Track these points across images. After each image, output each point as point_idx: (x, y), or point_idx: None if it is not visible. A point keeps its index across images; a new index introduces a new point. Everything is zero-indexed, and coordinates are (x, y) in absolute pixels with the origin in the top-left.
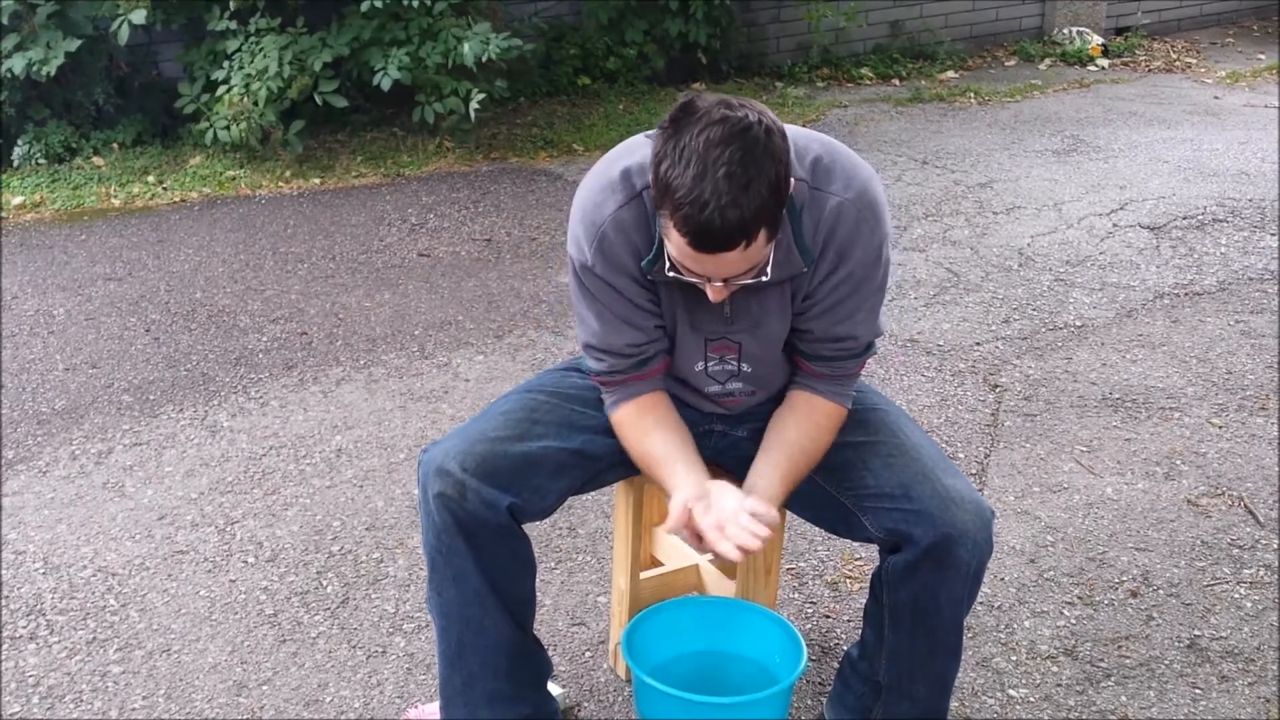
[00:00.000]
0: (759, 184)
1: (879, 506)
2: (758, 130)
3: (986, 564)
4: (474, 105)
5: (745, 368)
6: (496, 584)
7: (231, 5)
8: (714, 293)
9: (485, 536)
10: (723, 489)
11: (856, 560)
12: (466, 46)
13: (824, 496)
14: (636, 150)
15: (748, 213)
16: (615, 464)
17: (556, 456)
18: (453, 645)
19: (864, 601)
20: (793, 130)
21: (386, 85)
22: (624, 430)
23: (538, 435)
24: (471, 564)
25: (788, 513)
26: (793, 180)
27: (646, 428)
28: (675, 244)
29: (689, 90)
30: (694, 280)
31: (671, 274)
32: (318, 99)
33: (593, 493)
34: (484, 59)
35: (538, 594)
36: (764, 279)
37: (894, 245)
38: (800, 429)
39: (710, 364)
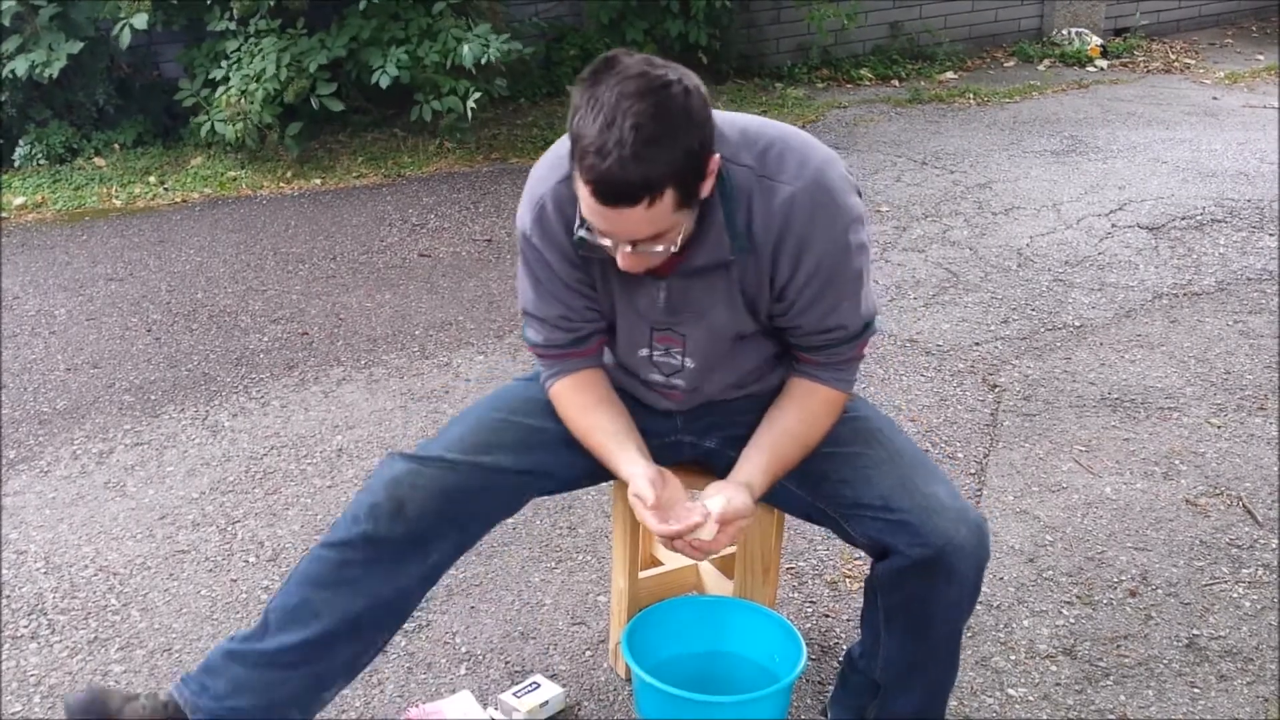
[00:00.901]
0: (669, 142)
1: (860, 515)
2: (676, 89)
3: (984, 570)
4: (470, 104)
5: (689, 363)
6: (361, 617)
7: (235, 10)
8: (623, 260)
9: (387, 563)
10: (676, 486)
11: (856, 560)
12: (466, 48)
13: (809, 505)
14: None
15: (653, 166)
16: (576, 478)
17: (506, 479)
18: (293, 599)
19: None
20: (747, 118)
21: (385, 84)
22: (562, 404)
23: (492, 459)
24: (354, 588)
25: (786, 514)
26: (715, 157)
27: (588, 403)
28: (583, 198)
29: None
30: (603, 243)
31: (582, 232)
32: (314, 102)
33: (593, 493)
34: (483, 61)
35: (538, 593)
36: (673, 249)
37: (893, 245)
38: (793, 415)
39: (655, 353)
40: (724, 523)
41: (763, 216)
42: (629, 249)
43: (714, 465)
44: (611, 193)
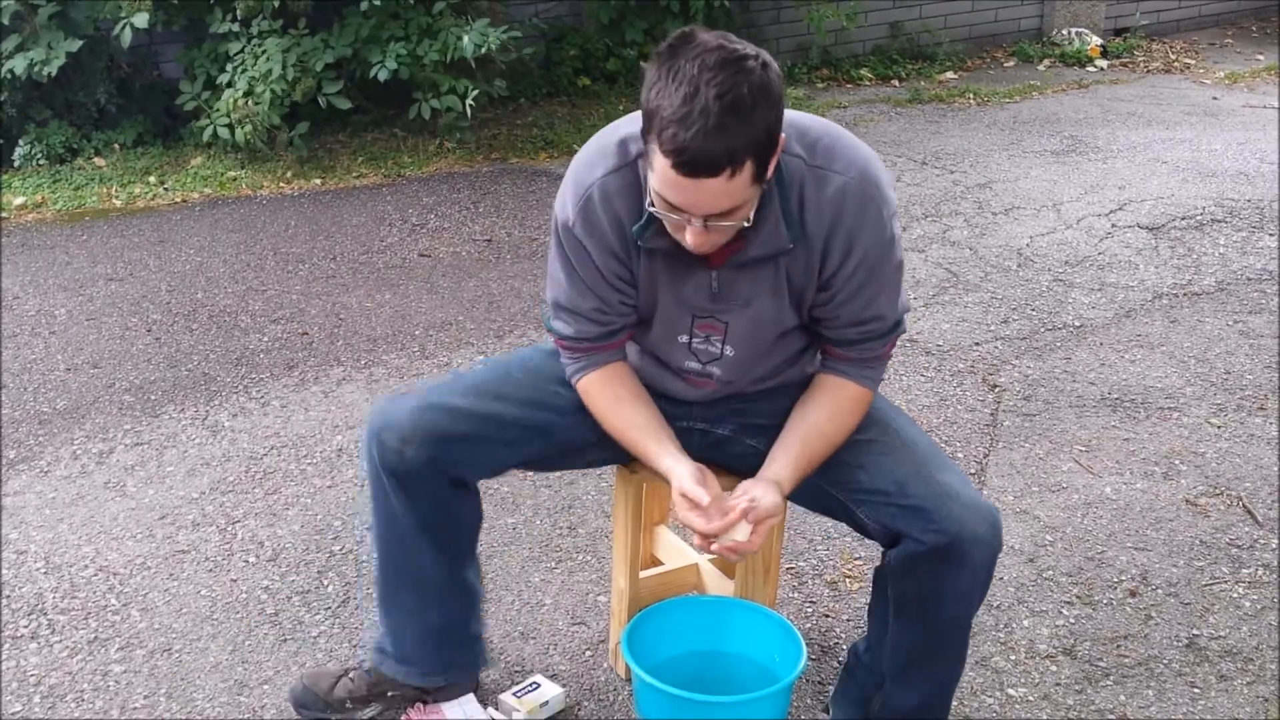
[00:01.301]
0: (750, 113)
1: (874, 502)
2: (754, 64)
3: (996, 561)
4: (469, 101)
5: (729, 351)
6: (429, 528)
7: (238, 12)
8: (693, 236)
9: (420, 493)
10: (714, 483)
11: (856, 560)
12: (466, 38)
13: (821, 492)
14: (639, 121)
15: (735, 137)
16: (582, 448)
17: (512, 430)
18: (388, 577)
19: (863, 601)
20: (794, 113)
21: (384, 77)
22: (593, 398)
23: (498, 408)
24: (402, 510)
25: (787, 512)
26: (783, 137)
27: (620, 396)
28: (658, 171)
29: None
30: (674, 219)
31: (650, 209)
32: (321, 101)
33: (593, 493)
34: (484, 50)
35: (538, 593)
36: (745, 224)
37: None
38: (822, 412)
39: (695, 340)
40: (756, 521)
41: (814, 206)
42: (699, 225)
43: (726, 452)
44: (693, 163)
